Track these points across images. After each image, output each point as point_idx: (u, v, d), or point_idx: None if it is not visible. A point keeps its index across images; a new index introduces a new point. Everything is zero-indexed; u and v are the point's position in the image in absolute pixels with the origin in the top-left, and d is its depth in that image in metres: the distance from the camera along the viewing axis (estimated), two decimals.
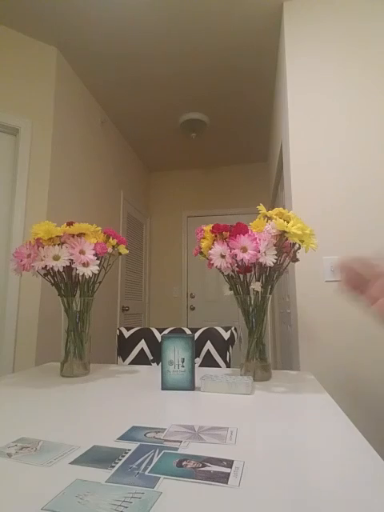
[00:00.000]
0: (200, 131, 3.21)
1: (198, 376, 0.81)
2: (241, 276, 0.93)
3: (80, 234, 0.94)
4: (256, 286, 0.88)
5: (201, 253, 1.00)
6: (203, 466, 0.41)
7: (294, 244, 0.91)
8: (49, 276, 0.95)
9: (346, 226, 1.64)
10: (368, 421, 1.49)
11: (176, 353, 0.80)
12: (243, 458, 0.44)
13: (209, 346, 1.30)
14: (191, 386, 0.78)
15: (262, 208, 0.93)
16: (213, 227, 0.93)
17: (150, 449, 0.46)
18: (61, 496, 0.35)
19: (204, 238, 0.97)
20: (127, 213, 3.51)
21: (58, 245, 0.92)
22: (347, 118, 1.71)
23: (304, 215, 1.70)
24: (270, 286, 0.90)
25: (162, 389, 0.79)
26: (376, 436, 1.46)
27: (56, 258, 0.89)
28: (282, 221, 0.84)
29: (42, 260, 0.89)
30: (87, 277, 0.93)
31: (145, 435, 0.51)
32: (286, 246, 0.90)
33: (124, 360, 1.36)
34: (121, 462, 0.42)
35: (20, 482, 0.38)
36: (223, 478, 0.38)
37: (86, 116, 2.68)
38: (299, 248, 0.91)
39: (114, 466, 0.41)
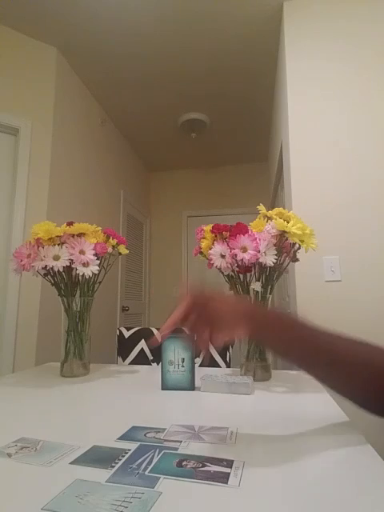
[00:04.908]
0: (200, 131, 3.21)
1: (198, 376, 0.81)
2: (241, 276, 0.93)
3: (80, 234, 0.94)
4: (256, 286, 0.88)
5: (201, 253, 1.00)
6: (203, 466, 0.41)
7: (293, 244, 0.91)
8: (49, 276, 0.95)
9: (346, 226, 1.64)
10: (369, 420, 1.48)
11: (176, 353, 0.80)
12: (243, 457, 0.43)
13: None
14: (191, 386, 0.78)
15: (262, 208, 0.93)
16: (213, 227, 0.93)
17: (150, 449, 0.46)
18: (61, 496, 0.35)
19: (204, 238, 0.97)
20: (127, 213, 3.51)
21: (58, 245, 0.92)
22: (347, 117, 1.71)
23: (304, 215, 1.70)
24: (269, 286, 0.90)
25: (162, 389, 0.79)
26: (377, 436, 1.46)
27: (56, 258, 0.89)
28: (281, 221, 0.84)
29: (42, 260, 0.89)
30: (87, 277, 0.93)
31: (145, 435, 0.51)
32: (285, 246, 0.90)
33: (124, 360, 1.36)
34: (121, 462, 0.42)
35: (20, 482, 0.38)
36: (223, 478, 0.38)
37: (85, 116, 2.68)
38: (299, 248, 0.91)
39: (114, 466, 0.41)
